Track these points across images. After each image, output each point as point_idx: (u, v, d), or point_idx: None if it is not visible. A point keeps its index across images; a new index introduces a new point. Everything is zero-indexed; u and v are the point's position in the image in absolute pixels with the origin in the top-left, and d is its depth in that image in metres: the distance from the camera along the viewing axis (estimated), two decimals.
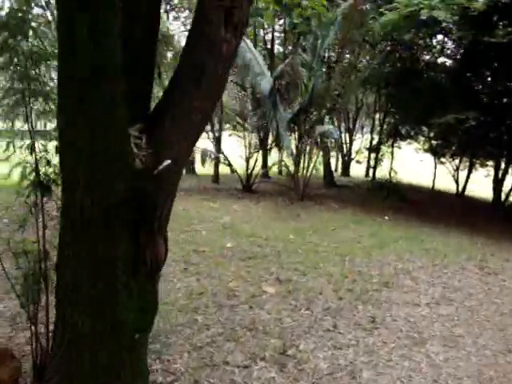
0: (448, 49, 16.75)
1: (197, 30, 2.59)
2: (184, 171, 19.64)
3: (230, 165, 12.89)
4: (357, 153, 21.72)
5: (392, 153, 16.86)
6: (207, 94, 2.57)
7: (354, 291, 5.58)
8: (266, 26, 17.35)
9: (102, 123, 2.31)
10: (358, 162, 21.39)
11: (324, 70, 11.56)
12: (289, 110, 12.14)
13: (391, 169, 15.98)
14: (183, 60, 2.62)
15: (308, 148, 12.38)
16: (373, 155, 20.14)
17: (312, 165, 12.23)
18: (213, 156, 12.53)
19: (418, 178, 21.66)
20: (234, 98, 12.74)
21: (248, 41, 12.01)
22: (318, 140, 11.42)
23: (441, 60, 17.13)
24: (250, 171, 12.92)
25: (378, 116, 20.85)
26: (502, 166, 16.33)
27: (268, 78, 11.28)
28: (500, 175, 16.14)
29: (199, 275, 5.90)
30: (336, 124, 21.93)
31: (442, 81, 14.67)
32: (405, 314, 4.98)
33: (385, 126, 19.41)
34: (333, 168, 22.96)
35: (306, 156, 12.38)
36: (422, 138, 19.97)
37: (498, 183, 15.88)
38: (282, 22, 17.68)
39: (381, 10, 10.71)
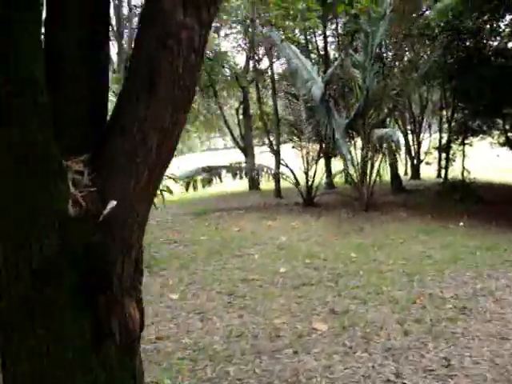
0: None
1: (146, 14, 1.87)
2: (247, 187, 19.09)
3: (295, 178, 12.12)
4: (426, 154, 20.19)
5: (463, 151, 15.33)
6: (164, 102, 1.81)
7: (422, 322, 4.59)
8: (318, 32, 16.53)
9: (11, 160, 1.63)
10: (427, 163, 19.88)
11: (378, 68, 10.53)
12: (347, 116, 11.22)
13: (463, 168, 14.55)
14: (132, 58, 1.89)
15: (370, 154, 11.40)
16: (443, 155, 18.62)
17: (375, 171, 11.18)
18: (270, 171, 11.85)
19: (495, 176, 19.87)
20: (286, 107, 11.97)
21: (293, 47, 11.23)
22: (377, 145, 10.34)
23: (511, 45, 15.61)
24: (310, 183, 12.06)
25: (445, 113, 19.31)
26: None
27: (319, 84, 10.44)
28: None
29: (243, 310, 5.14)
30: (401, 125, 20.68)
31: None
32: (489, 352, 3.94)
33: (453, 124, 17.89)
34: (402, 171, 21.65)
35: (369, 162, 11.38)
36: (496, 132, 18.35)
37: None
38: (334, 26, 16.80)
39: None
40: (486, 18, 14.08)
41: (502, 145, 18.40)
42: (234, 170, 11.43)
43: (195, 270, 6.92)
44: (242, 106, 19.54)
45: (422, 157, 20.56)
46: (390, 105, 11.01)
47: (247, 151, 19.39)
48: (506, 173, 18.40)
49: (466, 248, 7.44)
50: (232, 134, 20.16)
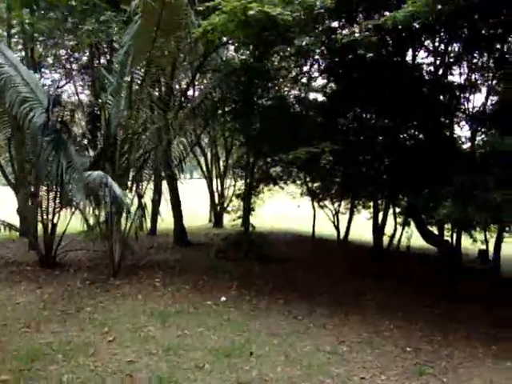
0: (314, 80, 14.01)
1: None
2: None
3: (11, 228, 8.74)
4: (229, 201, 17.97)
5: (248, 201, 13.29)
6: None
7: None
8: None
9: None
10: (227, 212, 17.64)
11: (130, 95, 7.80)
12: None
13: (248, 222, 12.44)
14: None
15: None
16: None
17: (129, 224, 8.25)
18: None
19: (299, 226, 18.44)
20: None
21: (9, 51, 8.01)
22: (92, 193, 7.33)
23: (313, 96, 14.44)
24: (50, 237, 8.73)
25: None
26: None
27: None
28: (381, 218, 13.24)
29: None
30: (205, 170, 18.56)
31: (304, 116, 11.77)
32: None
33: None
34: (207, 219, 19.40)
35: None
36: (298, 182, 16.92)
37: (377, 229, 12.89)
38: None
39: (199, 8, 7.24)
40: (284, 64, 12.66)
41: (302, 194, 17.06)
42: None
43: None
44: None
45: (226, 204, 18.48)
46: (149, 143, 8.26)
47: (20, 190, 15.39)
48: (307, 222, 16.88)
49: (196, 354, 4.77)
50: (3, 171, 15.95)
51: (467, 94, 11.26)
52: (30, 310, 6.10)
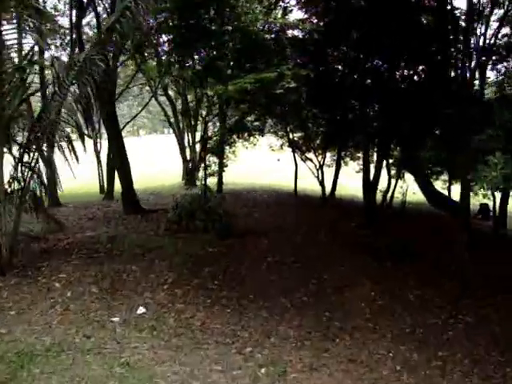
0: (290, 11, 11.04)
1: None
2: None
3: None
4: (200, 158, 15.15)
5: (220, 151, 10.59)
6: None
7: None
8: None
9: None
10: (197, 168, 14.81)
11: None
12: None
13: (205, 181, 9.71)
14: None
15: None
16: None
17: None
18: None
19: (281, 182, 15.80)
20: None
21: None
22: None
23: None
24: None
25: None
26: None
27: None
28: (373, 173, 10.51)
29: None
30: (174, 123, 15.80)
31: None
32: None
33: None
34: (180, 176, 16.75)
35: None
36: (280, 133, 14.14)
37: (369, 185, 10.21)
38: None
39: None
40: None
41: (282, 146, 14.30)
42: None
43: None
44: None
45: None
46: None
47: None
48: (290, 177, 14.26)
49: None
50: None
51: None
52: None
